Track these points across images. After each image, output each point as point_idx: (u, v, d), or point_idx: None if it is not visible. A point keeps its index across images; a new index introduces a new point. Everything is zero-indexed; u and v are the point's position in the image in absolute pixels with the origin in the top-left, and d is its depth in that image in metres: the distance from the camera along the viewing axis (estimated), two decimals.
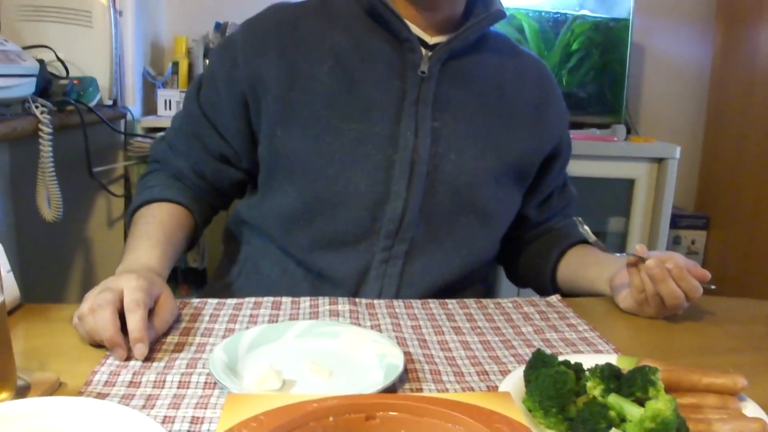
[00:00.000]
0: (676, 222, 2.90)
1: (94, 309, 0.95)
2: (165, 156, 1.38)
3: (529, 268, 1.52)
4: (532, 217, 1.49)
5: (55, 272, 1.97)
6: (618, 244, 2.72)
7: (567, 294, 1.37)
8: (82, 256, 1.98)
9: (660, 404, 0.69)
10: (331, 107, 1.25)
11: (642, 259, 1.14)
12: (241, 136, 1.33)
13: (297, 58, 1.27)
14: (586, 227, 1.22)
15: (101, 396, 0.84)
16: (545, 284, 1.46)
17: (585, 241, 1.41)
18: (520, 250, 1.54)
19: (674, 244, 2.99)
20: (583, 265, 1.38)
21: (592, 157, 2.57)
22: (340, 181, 1.24)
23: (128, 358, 0.94)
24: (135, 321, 0.94)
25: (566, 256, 1.43)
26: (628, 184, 2.65)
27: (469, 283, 1.40)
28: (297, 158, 1.26)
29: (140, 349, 0.93)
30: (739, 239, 2.87)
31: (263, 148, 1.31)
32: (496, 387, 0.90)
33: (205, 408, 0.83)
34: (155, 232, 1.23)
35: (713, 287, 1.15)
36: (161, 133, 1.47)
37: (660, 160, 2.59)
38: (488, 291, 1.50)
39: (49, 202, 1.70)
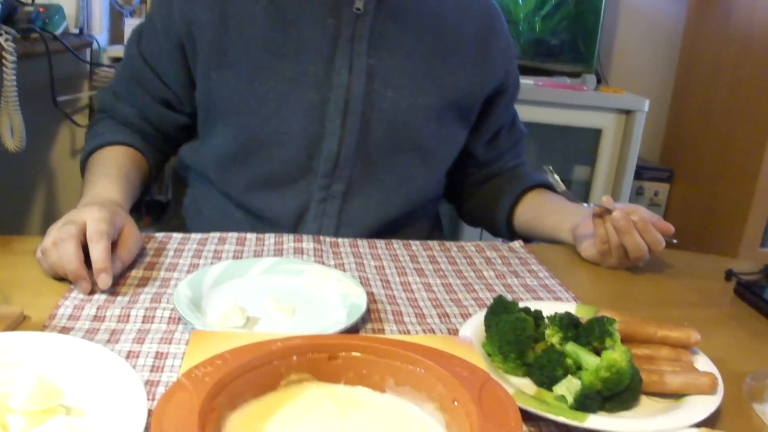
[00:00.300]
0: (640, 173, 2.93)
1: (57, 242, 0.94)
2: (111, 104, 1.36)
3: (483, 210, 1.50)
4: (480, 155, 1.47)
5: (17, 203, 1.94)
6: (582, 192, 2.75)
7: (523, 238, 1.38)
8: (44, 187, 1.95)
9: (615, 355, 0.71)
10: (264, 48, 1.23)
11: (608, 211, 1.15)
12: (181, 80, 1.31)
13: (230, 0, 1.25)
14: (556, 176, 1.22)
15: (66, 330, 0.84)
16: (500, 227, 1.46)
17: (541, 185, 1.41)
18: (471, 190, 1.53)
19: (637, 195, 3.03)
20: (543, 211, 1.38)
21: (561, 105, 2.57)
22: (274, 120, 1.23)
23: (92, 292, 0.94)
24: (98, 251, 0.93)
25: (524, 201, 1.41)
26: (595, 134, 2.66)
27: (411, 221, 1.39)
28: (231, 100, 1.25)
29: (104, 280, 0.92)
30: (702, 194, 2.91)
31: (199, 92, 1.29)
32: (457, 330, 0.91)
33: (169, 343, 0.83)
34: (112, 170, 1.22)
35: (675, 241, 1.17)
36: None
37: (628, 112, 2.60)
38: (434, 228, 1.49)
39: (11, 131, 1.66)
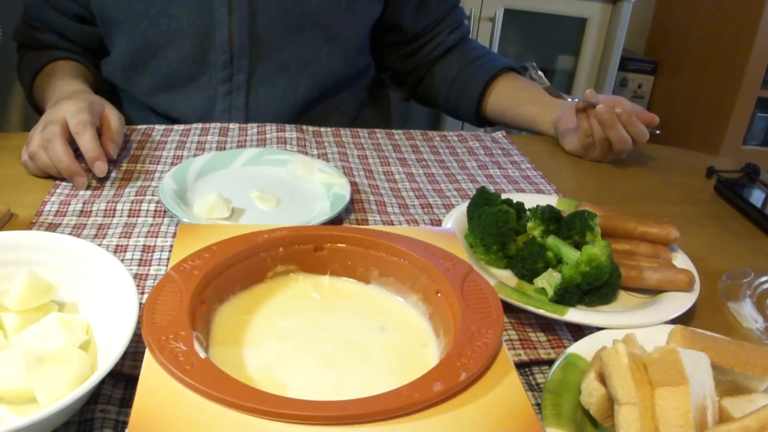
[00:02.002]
0: (624, 65, 2.91)
1: (44, 144, 0.93)
2: (30, 36, 1.31)
3: (445, 95, 1.43)
4: (409, 26, 1.39)
5: None
6: (566, 82, 2.73)
7: (493, 124, 1.38)
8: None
9: (596, 249, 0.72)
10: None
11: (591, 105, 1.15)
12: None
13: None
14: (540, 72, 1.20)
15: (53, 226, 0.84)
16: (467, 115, 1.42)
17: (509, 69, 1.37)
18: (419, 70, 1.46)
19: (621, 86, 3.02)
20: (520, 100, 1.34)
21: None
22: (163, 20, 1.20)
23: (88, 186, 0.94)
24: (86, 141, 0.92)
25: (494, 88, 1.36)
26: (581, 23, 2.62)
27: (330, 108, 1.35)
28: (119, 6, 1.21)
29: (100, 167, 0.92)
30: (685, 88, 2.90)
31: (93, 3, 1.24)
32: (440, 221, 0.92)
33: (156, 236, 0.83)
34: (65, 74, 1.20)
35: (659, 132, 1.18)
36: None
37: (615, 1, 2.55)
38: (360, 108, 1.43)
39: None
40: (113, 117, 1.01)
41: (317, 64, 1.28)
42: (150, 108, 1.29)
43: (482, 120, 1.41)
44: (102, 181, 0.96)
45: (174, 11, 1.19)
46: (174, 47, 1.22)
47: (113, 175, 0.99)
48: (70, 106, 0.96)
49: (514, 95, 1.35)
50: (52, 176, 0.95)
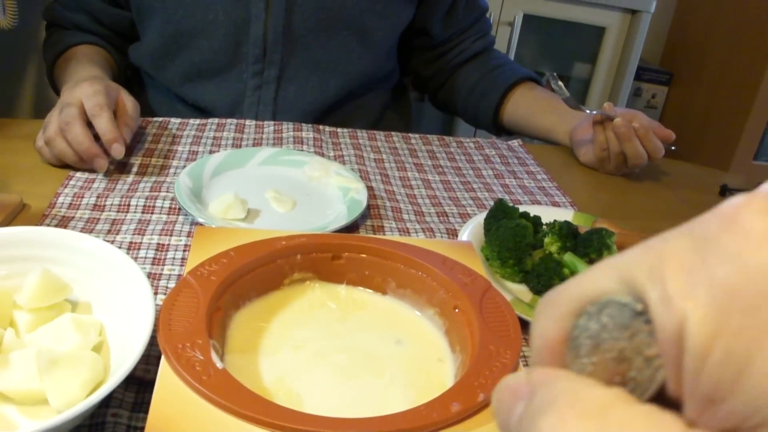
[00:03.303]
0: (639, 74, 2.89)
1: (62, 128, 0.92)
2: (61, 16, 1.30)
3: (464, 101, 1.43)
4: (436, 32, 1.39)
5: (9, 85, 1.87)
6: (581, 90, 2.72)
7: (510, 132, 1.37)
8: (36, 67, 1.87)
9: None
10: None
11: (609, 117, 1.14)
12: None
13: None
14: (560, 83, 1.19)
15: (66, 220, 0.83)
16: (484, 123, 1.42)
17: (528, 79, 1.37)
18: (440, 76, 1.46)
19: (634, 96, 3.00)
20: (537, 110, 1.33)
21: (566, 0, 2.51)
22: (199, 10, 1.19)
23: (93, 177, 0.94)
24: (103, 123, 0.92)
25: (512, 97, 1.36)
26: (599, 32, 2.61)
27: (355, 107, 1.35)
28: None
29: (117, 149, 0.91)
30: (699, 100, 2.88)
31: None
32: (455, 230, 0.92)
33: (170, 235, 0.83)
34: (85, 60, 1.18)
35: (674, 149, 1.17)
36: None
37: (634, 12, 2.54)
38: (384, 110, 1.43)
39: (4, 8, 1.59)
40: (129, 102, 1.01)
41: (348, 64, 1.28)
42: (178, 97, 1.29)
43: (499, 128, 1.41)
44: (115, 174, 0.96)
45: (210, 2, 1.19)
46: (207, 38, 1.21)
47: (127, 168, 0.98)
48: (86, 88, 0.96)
49: (532, 104, 1.34)
50: (67, 165, 0.95)
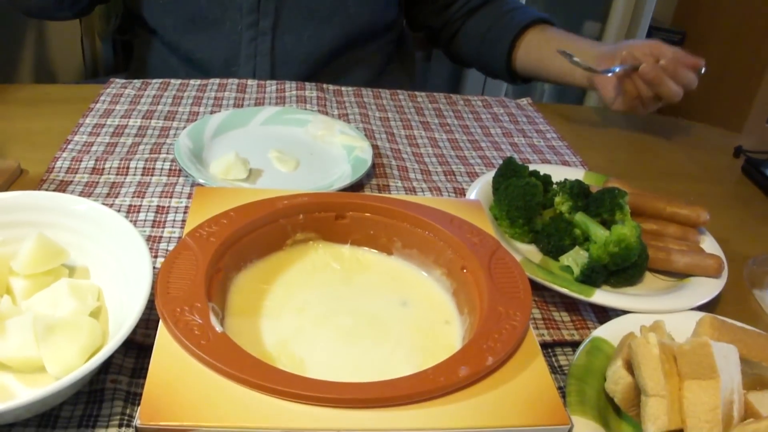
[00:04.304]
0: (651, 34, 2.83)
1: None
2: None
3: (476, 51, 1.37)
4: None
5: (7, 51, 1.85)
6: None
7: (525, 78, 1.31)
8: (35, 33, 1.84)
9: (626, 230, 0.70)
10: None
11: (633, 68, 1.07)
12: None
13: None
14: (576, 59, 1.13)
15: (64, 184, 0.82)
16: (499, 69, 1.35)
17: (540, 21, 1.30)
18: (452, 26, 1.40)
19: None
20: (550, 53, 1.24)
21: None
22: None
23: (92, 141, 0.92)
24: None
25: (524, 41, 1.28)
26: None
27: (356, 59, 1.31)
28: None
29: None
30: (712, 61, 2.82)
31: None
32: (463, 189, 0.90)
33: (171, 197, 0.81)
34: None
35: (704, 70, 1.11)
36: None
37: None
38: (387, 63, 1.39)
39: None
40: None
41: (344, 13, 1.24)
42: (171, 50, 1.26)
43: (515, 76, 1.34)
44: (115, 137, 0.94)
45: None
46: None
47: (127, 130, 0.96)
48: None
49: (544, 47, 1.27)
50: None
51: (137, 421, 0.40)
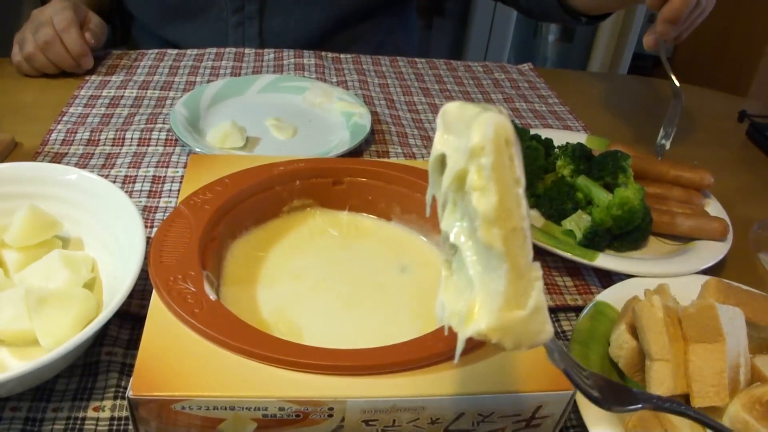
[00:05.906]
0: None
1: (43, 48, 0.97)
2: None
3: None
4: None
5: (2, 25, 1.82)
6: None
7: (584, 15, 1.12)
8: (30, 7, 1.82)
9: (629, 192, 0.68)
10: None
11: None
12: None
13: None
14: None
15: (59, 156, 0.80)
16: (551, 6, 1.13)
17: None
18: None
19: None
20: None
21: None
22: None
23: (87, 112, 0.91)
24: (72, 38, 0.97)
25: None
26: None
27: (352, 38, 1.27)
28: None
29: (86, 62, 0.99)
30: (717, 23, 2.77)
31: None
32: None
33: (167, 167, 0.80)
34: None
35: None
36: None
37: None
38: (388, 36, 1.33)
39: None
40: (94, 17, 1.04)
41: None
42: (161, 39, 1.24)
43: (568, 10, 1.12)
44: (110, 107, 0.93)
45: None
46: None
47: (123, 101, 0.95)
48: (56, 4, 1.00)
49: None
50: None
51: (129, 393, 0.39)
